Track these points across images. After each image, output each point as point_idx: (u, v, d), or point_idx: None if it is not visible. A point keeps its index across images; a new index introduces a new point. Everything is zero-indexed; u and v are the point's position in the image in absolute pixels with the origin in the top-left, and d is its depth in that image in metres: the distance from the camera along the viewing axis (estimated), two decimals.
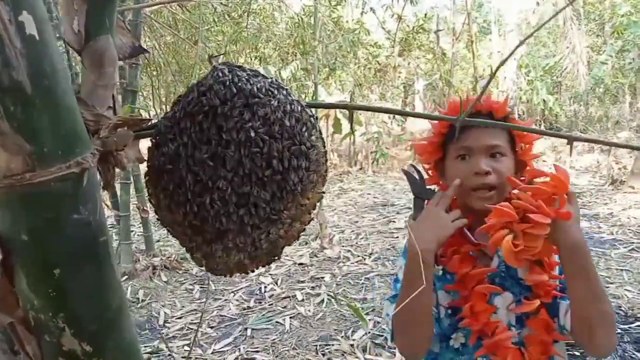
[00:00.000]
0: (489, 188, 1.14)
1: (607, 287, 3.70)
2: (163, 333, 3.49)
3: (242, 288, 4.21)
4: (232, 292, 4.15)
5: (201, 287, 4.28)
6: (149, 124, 0.62)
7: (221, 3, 6.87)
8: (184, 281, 4.46)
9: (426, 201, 1.20)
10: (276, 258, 0.62)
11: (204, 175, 0.58)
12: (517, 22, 11.26)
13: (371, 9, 10.53)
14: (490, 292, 1.15)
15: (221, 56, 0.62)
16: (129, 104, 3.65)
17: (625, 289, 3.70)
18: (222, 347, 3.23)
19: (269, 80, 0.62)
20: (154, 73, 8.32)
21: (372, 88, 12.03)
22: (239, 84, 0.59)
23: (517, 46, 0.60)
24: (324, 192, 0.62)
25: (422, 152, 1.27)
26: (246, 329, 3.46)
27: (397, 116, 11.56)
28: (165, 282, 4.41)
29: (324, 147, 0.61)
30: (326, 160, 0.61)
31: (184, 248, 0.63)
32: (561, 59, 11.66)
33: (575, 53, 9.70)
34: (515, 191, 1.06)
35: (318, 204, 0.61)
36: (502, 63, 0.56)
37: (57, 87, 0.51)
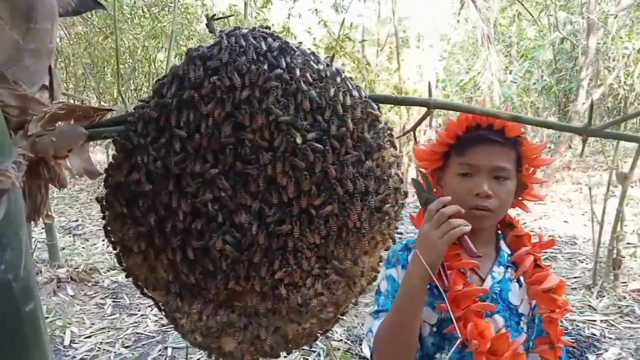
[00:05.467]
0: (486, 209, 1.12)
1: None
2: (69, 355, 3.11)
3: None
4: (149, 306, 3.81)
5: (114, 302, 3.87)
6: (110, 115, 0.38)
7: None
8: (94, 295, 4.07)
9: None
10: (320, 336, 0.39)
11: (212, 203, 0.33)
12: (437, 37, 11.75)
13: (298, 14, 10.48)
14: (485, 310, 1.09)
15: (228, 17, 0.40)
16: None
17: None
18: None
19: (312, 54, 0.38)
20: (62, 65, 7.72)
21: None
22: (274, 57, 0.34)
23: None
24: (400, 235, 0.42)
25: (422, 159, 1.23)
26: (166, 348, 3.26)
27: None
28: (72, 296, 4.00)
29: (400, 162, 0.40)
30: (402, 182, 0.40)
31: (163, 313, 0.39)
32: (475, 76, 12.31)
33: (490, 71, 10.32)
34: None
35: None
36: None
37: None
